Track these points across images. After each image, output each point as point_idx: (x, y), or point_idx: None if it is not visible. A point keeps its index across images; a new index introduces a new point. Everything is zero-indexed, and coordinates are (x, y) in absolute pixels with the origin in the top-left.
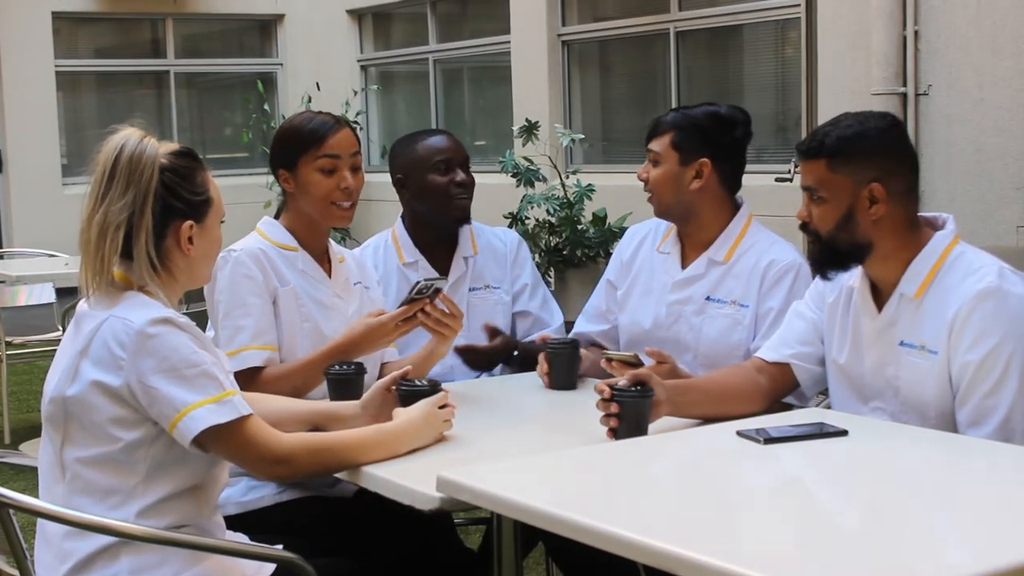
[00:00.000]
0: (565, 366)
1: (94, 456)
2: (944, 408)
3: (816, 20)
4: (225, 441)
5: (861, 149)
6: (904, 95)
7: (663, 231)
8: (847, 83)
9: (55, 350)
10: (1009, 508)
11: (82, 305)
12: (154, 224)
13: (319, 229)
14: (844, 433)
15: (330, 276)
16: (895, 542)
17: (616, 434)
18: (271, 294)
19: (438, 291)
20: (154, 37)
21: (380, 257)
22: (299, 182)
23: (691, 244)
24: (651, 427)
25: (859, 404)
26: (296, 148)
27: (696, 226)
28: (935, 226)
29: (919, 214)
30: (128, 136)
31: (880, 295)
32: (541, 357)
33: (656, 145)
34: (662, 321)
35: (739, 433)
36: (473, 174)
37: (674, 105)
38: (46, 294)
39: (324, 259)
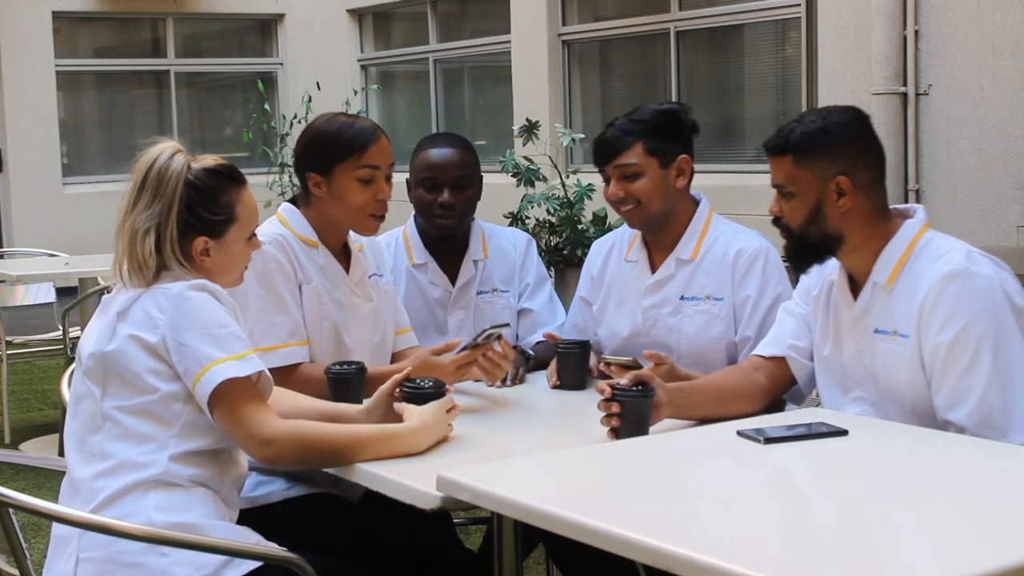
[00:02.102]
0: (575, 366)
1: (134, 405)
2: (918, 393)
3: (816, 20)
4: (231, 405)
5: (825, 144)
6: (904, 95)
7: (627, 240)
8: (847, 83)
9: (55, 350)
10: (1009, 508)
11: (108, 296)
12: (178, 234)
13: (341, 230)
14: (844, 433)
15: (348, 271)
16: (895, 542)
17: (617, 434)
18: (298, 286)
19: (499, 337)
20: (154, 37)
21: (391, 255)
22: (333, 189)
23: (658, 248)
24: (651, 427)
25: (840, 395)
26: (334, 154)
27: (668, 228)
28: (906, 216)
29: (891, 206)
30: (162, 150)
31: (856, 285)
32: (553, 364)
33: (627, 158)
34: (640, 328)
35: (739, 433)
36: (470, 192)
37: None
38: (46, 294)
39: (341, 251)
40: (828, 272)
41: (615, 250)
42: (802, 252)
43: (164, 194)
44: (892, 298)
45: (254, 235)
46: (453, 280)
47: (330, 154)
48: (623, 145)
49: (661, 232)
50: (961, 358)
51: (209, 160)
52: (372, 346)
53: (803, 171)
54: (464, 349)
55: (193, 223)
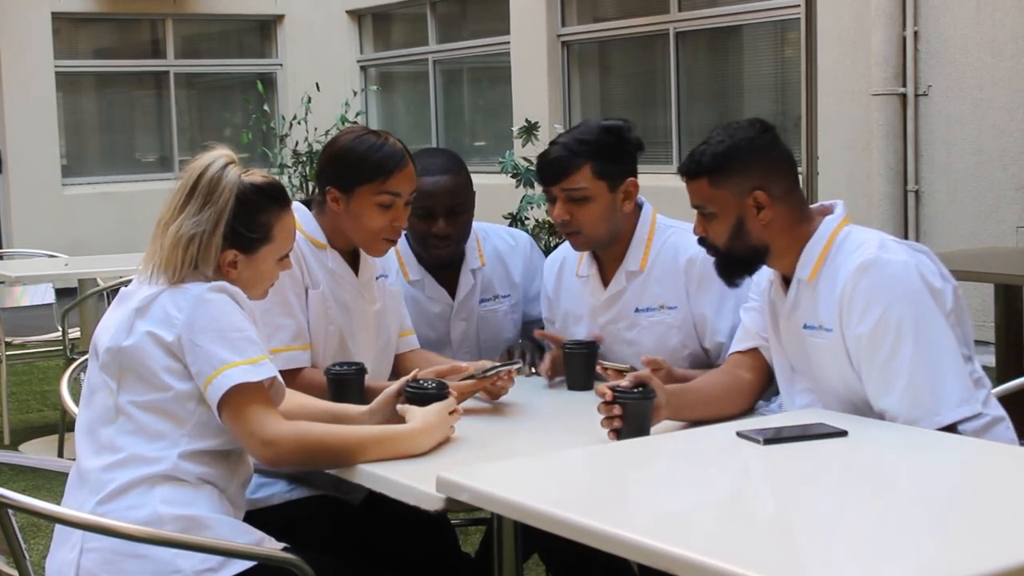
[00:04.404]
0: (582, 367)
1: (148, 401)
2: (850, 385)
3: (816, 21)
4: (237, 407)
5: (736, 161)
6: (904, 95)
7: (577, 255)
8: (847, 83)
9: (55, 350)
10: (1008, 508)
11: (127, 288)
12: (222, 244)
13: (352, 241)
14: (844, 433)
15: (356, 273)
16: (894, 542)
17: (619, 435)
18: (304, 289)
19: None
20: (154, 37)
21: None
22: (351, 208)
23: (608, 260)
24: (651, 428)
25: (790, 387)
26: (357, 175)
27: (615, 243)
28: (827, 213)
29: (812, 205)
30: (216, 158)
31: (788, 283)
32: (548, 356)
33: (576, 182)
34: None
35: (739, 433)
36: (465, 216)
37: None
38: (46, 294)
39: (350, 253)
40: (769, 269)
41: (567, 265)
42: (731, 267)
43: (216, 203)
44: (816, 293)
45: (286, 257)
46: (452, 292)
47: (353, 174)
48: (572, 167)
49: (608, 249)
50: (883, 346)
51: (257, 176)
52: (376, 351)
53: (720, 191)
54: (470, 378)
55: (227, 235)
